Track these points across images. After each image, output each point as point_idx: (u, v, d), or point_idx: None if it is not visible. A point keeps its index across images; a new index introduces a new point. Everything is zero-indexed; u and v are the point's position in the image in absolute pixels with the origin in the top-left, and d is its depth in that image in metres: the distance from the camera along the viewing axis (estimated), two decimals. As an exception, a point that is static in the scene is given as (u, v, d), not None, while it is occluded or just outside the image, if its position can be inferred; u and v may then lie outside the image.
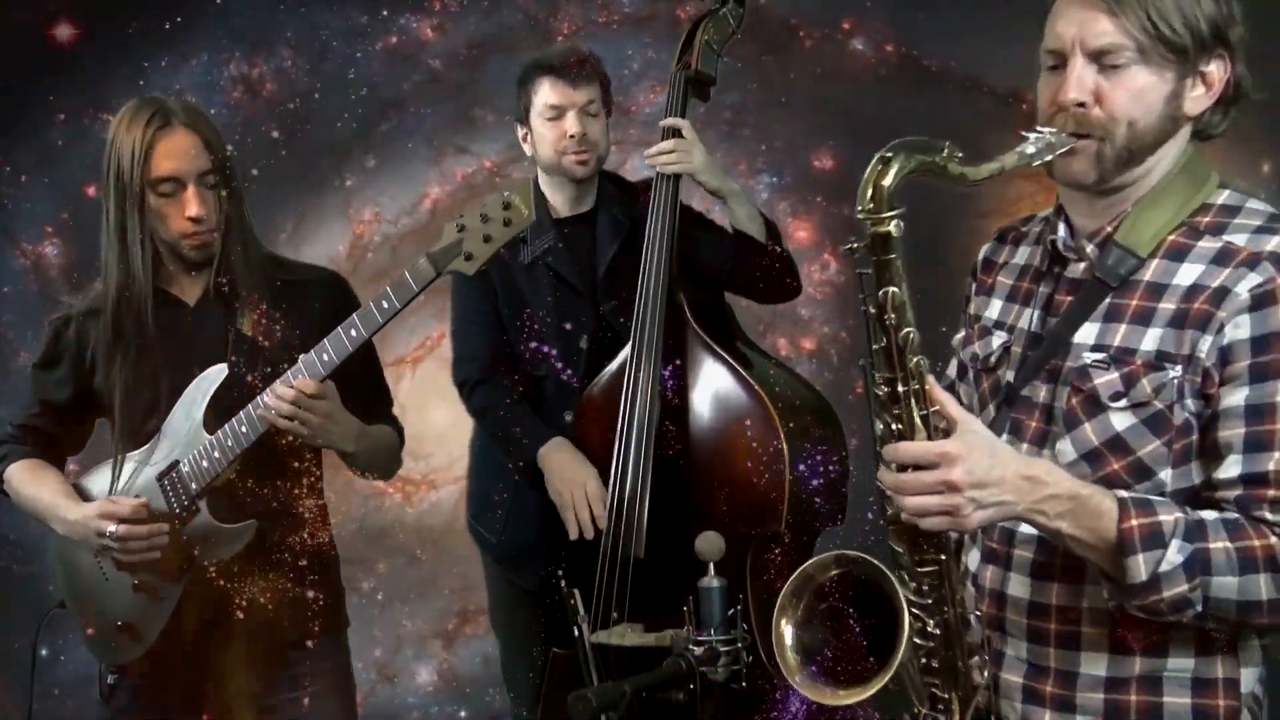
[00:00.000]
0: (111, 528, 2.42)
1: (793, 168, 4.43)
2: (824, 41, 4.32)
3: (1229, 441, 1.68)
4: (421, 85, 4.59)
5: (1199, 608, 1.65)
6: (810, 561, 1.76)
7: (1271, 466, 1.66)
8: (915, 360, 1.66)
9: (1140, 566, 1.64)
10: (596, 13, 4.41)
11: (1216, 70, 1.76)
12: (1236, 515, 1.67)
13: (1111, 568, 1.67)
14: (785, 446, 2.72)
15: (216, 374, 2.48)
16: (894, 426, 1.68)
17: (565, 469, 2.95)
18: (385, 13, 4.50)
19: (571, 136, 3.05)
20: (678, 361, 2.88)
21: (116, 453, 2.53)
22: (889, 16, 4.24)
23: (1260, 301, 1.67)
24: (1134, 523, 1.64)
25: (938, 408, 1.67)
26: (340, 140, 4.59)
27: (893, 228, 1.62)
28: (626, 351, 2.91)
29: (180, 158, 2.41)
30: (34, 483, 2.60)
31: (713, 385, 2.85)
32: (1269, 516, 1.66)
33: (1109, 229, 1.81)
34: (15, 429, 2.66)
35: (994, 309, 1.97)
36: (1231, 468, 1.68)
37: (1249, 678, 1.79)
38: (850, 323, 4.28)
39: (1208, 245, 1.74)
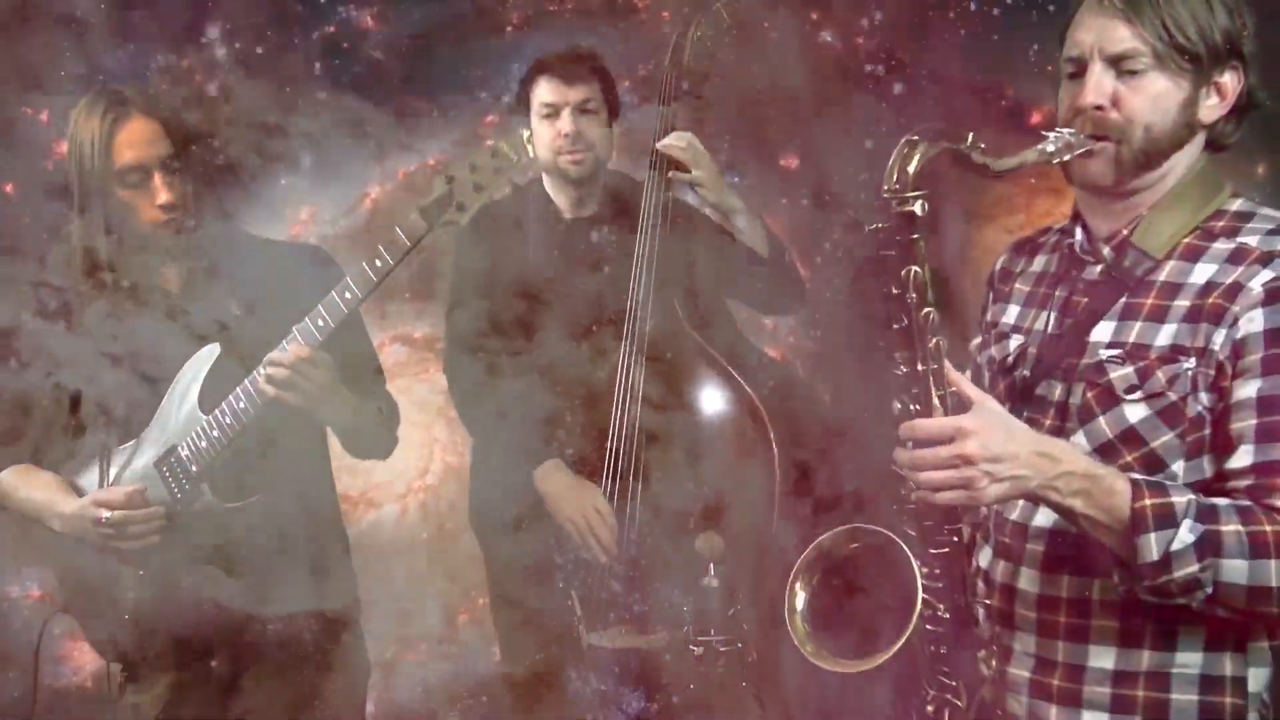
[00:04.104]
0: (105, 514, 2.39)
1: (756, 166, 4.24)
2: (790, 33, 4.12)
3: (1241, 432, 1.76)
4: (361, 77, 4.39)
5: (1208, 589, 1.71)
6: (826, 534, 1.80)
7: None
8: (934, 341, 1.74)
9: (1152, 545, 1.70)
10: (548, 1, 4.22)
11: (1230, 81, 1.85)
12: (1249, 502, 1.74)
13: (1123, 548, 1.74)
14: (776, 449, 2.76)
15: (209, 353, 2.45)
16: (912, 406, 1.75)
17: (570, 494, 2.90)
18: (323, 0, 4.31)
19: (565, 135, 3.00)
20: (670, 361, 2.87)
21: (103, 448, 2.51)
22: (859, 8, 4.06)
23: (1274, 296, 1.75)
24: (1147, 502, 1.71)
25: (954, 388, 1.74)
26: (274, 134, 4.35)
27: (917, 207, 1.70)
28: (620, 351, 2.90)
29: (141, 146, 2.40)
30: (26, 484, 2.57)
31: (705, 386, 2.85)
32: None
33: (1125, 232, 1.89)
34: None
35: (1011, 314, 2.07)
36: (1243, 457, 1.76)
37: (1257, 678, 1.87)
38: (815, 333, 4.12)
39: (1222, 247, 1.83)
